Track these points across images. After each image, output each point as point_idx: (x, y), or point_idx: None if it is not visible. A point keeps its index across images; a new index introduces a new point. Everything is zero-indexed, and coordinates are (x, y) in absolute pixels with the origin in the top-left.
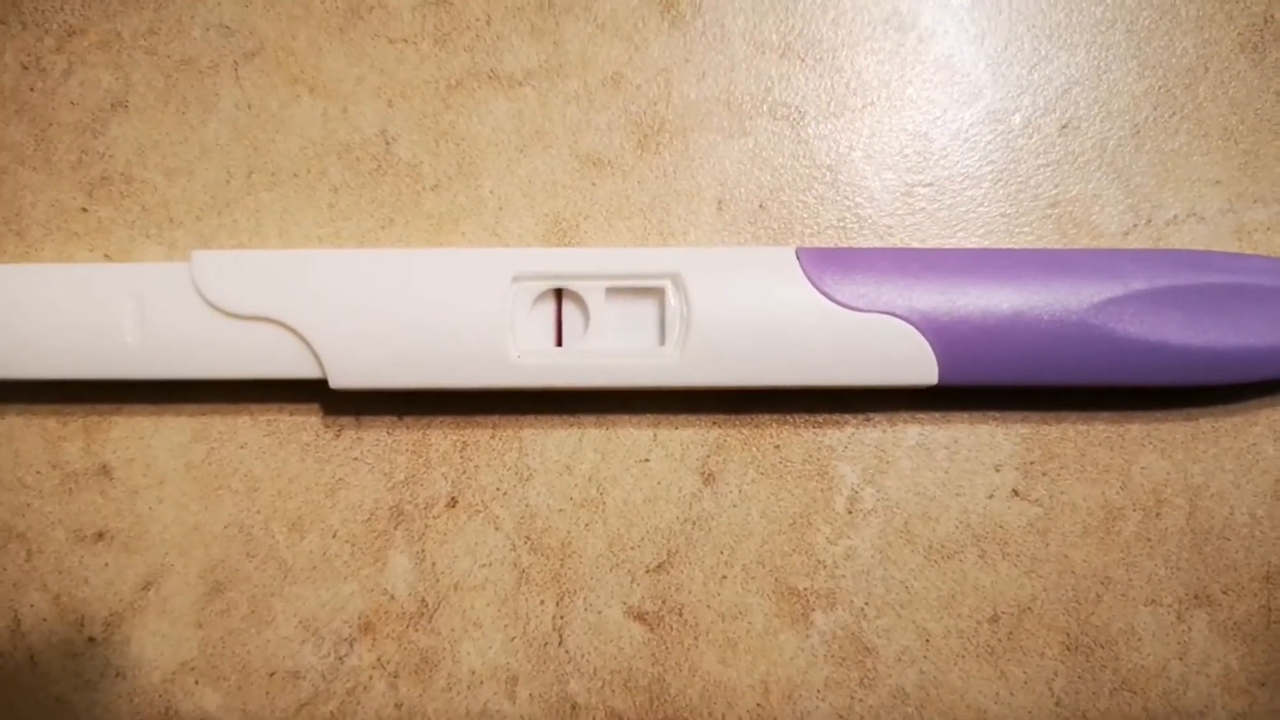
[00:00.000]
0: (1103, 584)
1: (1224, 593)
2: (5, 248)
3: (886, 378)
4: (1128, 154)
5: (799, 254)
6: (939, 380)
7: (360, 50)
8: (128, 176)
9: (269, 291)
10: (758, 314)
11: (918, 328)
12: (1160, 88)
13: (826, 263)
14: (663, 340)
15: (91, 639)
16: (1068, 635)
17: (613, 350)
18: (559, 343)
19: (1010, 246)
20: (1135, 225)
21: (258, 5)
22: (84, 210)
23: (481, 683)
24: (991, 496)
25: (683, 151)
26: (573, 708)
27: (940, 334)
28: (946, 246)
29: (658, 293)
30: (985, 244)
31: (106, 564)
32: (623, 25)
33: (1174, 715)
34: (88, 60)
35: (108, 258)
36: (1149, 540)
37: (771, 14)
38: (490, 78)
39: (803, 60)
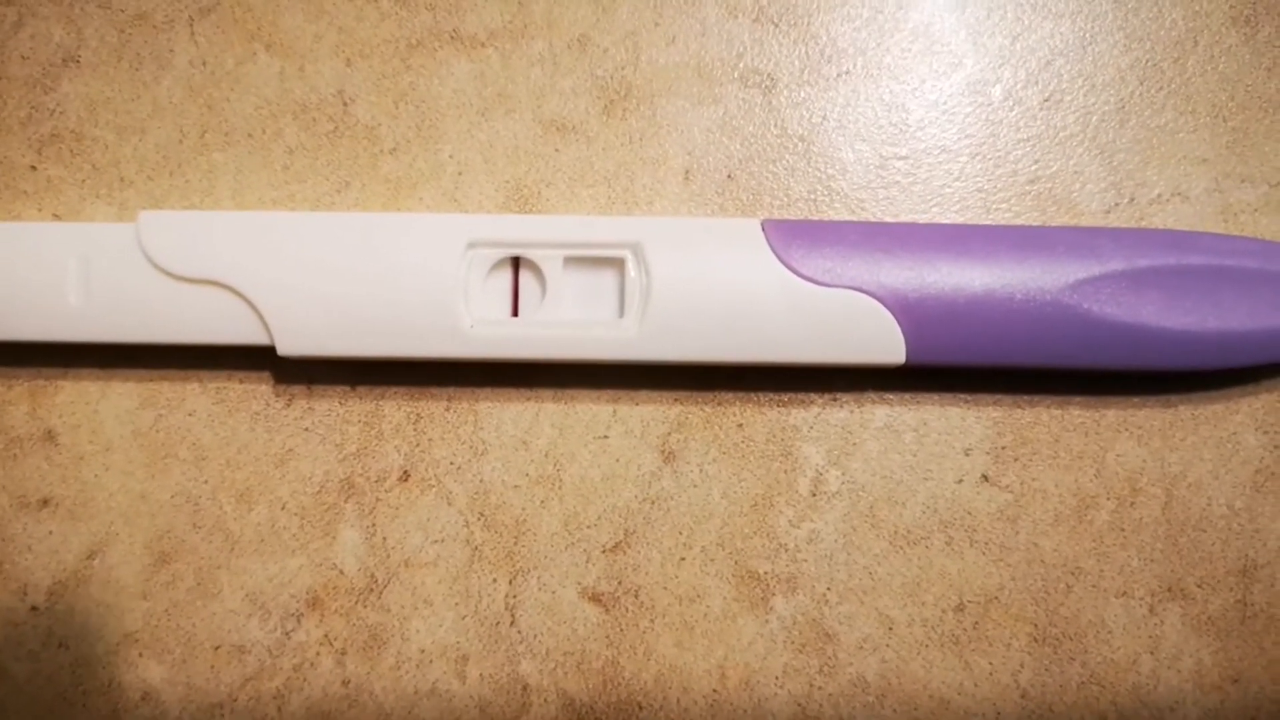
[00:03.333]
0: (1073, 574)
1: (1198, 586)
2: None
3: (852, 356)
4: (1111, 129)
5: (764, 226)
6: (907, 360)
7: (319, 7)
8: (78, 134)
9: (216, 254)
10: (720, 287)
11: (885, 304)
12: (1147, 61)
13: (793, 235)
14: (622, 312)
15: (34, 608)
16: (1035, 626)
17: (570, 321)
18: (515, 313)
19: (986, 223)
20: (1117, 204)
21: None
22: (33, 168)
23: (431, 661)
24: (960, 481)
25: (650, 118)
26: (524, 689)
27: (909, 311)
28: (920, 221)
29: (618, 263)
30: (960, 220)
31: (50, 532)
32: None
33: (1143, 710)
34: (38, 13)
35: (56, 217)
36: (1122, 530)
37: None
38: (452, 38)
39: (776, 26)
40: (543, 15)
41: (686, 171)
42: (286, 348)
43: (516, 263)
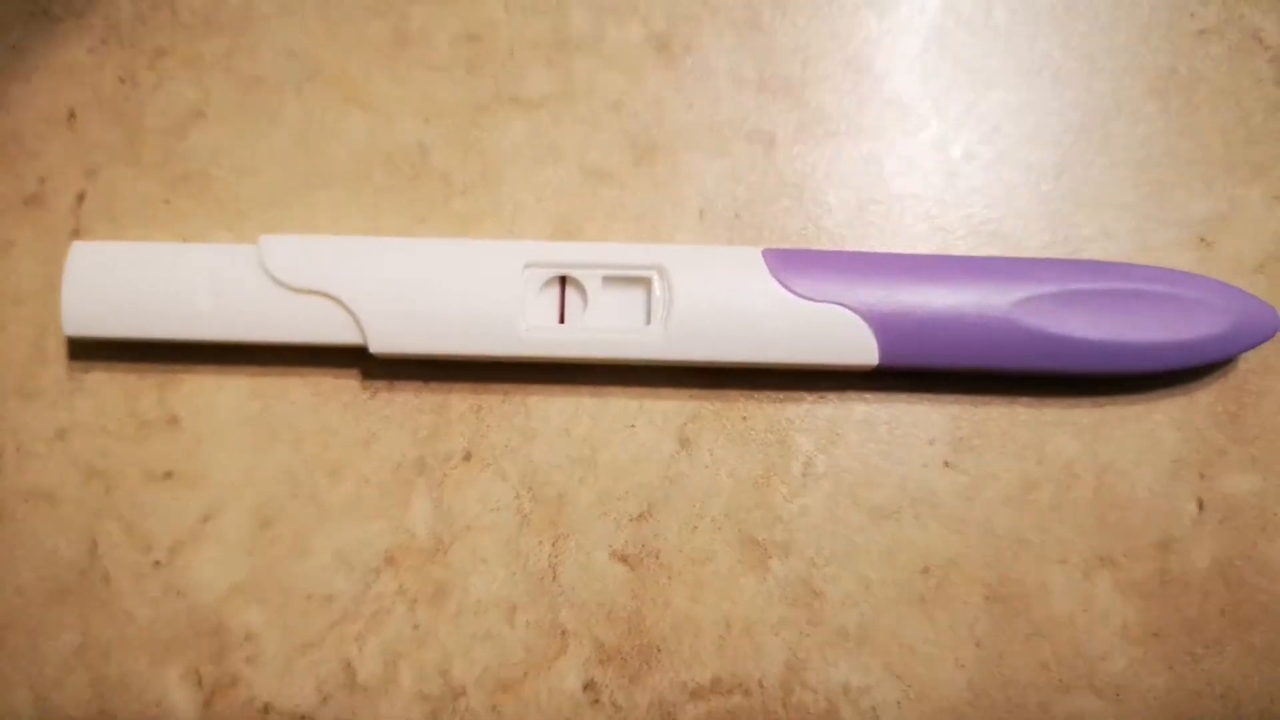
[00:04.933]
0: (1019, 544)
1: (1124, 556)
2: (99, 231)
3: (835, 358)
4: (1050, 180)
5: (765, 254)
6: (879, 362)
7: (403, 75)
8: (204, 175)
9: (323, 270)
10: (729, 302)
11: (862, 316)
12: (1080, 125)
13: (788, 261)
14: (649, 321)
15: (157, 563)
16: (988, 587)
17: (606, 328)
18: (561, 321)
19: (946, 254)
20: (1054, 241)
21: (319, 35)
22: (166, 202)
23: (486, 610)
24: (925, 466)
25: (671, 167)
26: (563, 634)
27: (881, 322)
28: (892, 252)
29: (646, 281)
30: (925, 251)
31: (173, 499)
32: (624, 61)
33: (1079, 659)
34: (174, 76)
35: (185, 241)
36: (1060, 509)
37: (750, 56)
38: (512, 101)
39: (775, 95)
40: (584, 83)
41: (701, 210)
42: (378, 346)
43: (564, 281)
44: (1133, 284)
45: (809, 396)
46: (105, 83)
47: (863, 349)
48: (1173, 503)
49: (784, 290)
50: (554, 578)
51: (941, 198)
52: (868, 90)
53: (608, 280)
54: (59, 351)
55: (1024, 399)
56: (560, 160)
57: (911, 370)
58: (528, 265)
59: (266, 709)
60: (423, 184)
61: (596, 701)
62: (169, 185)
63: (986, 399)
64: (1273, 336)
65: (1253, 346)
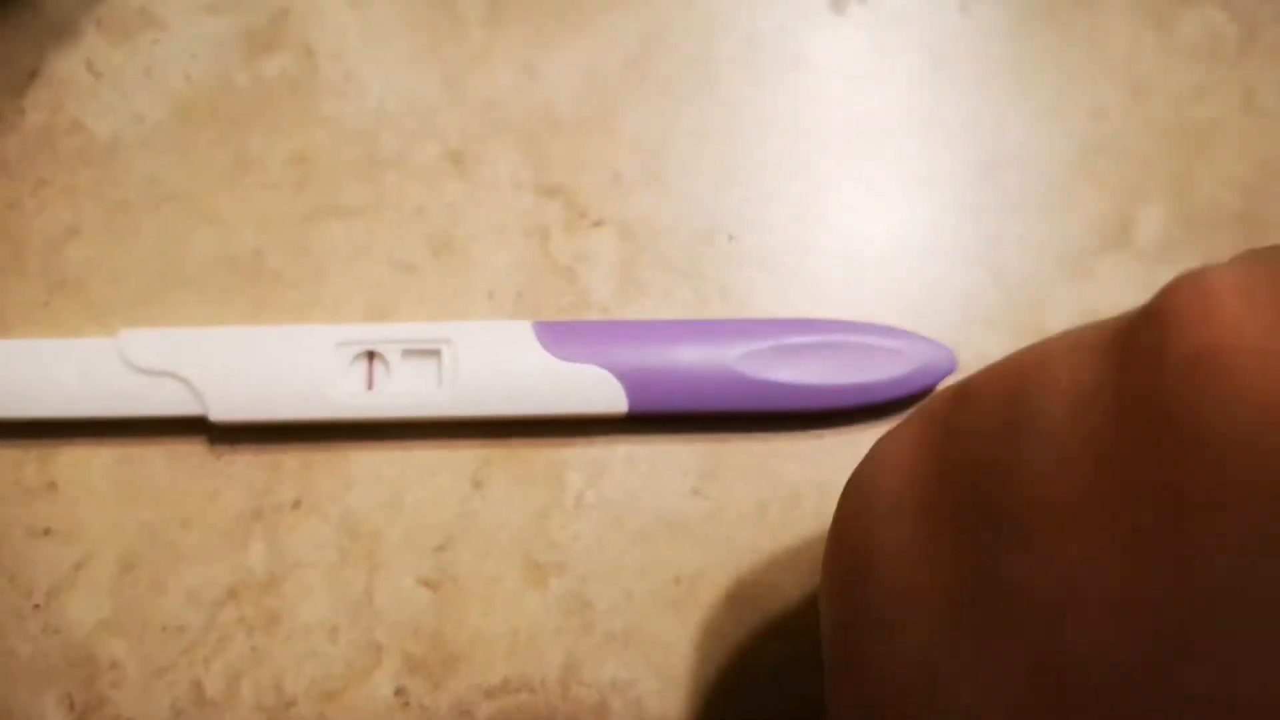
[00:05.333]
0: (755, 555)
1: None
2: None
3: (592, 408)
4: (771, 255)
5: (534, 326)
6: (629, 410)
7: (243, 194)
8: (78, 282)
9: (171, 355)
10: (505, 366)
11: (614, 373)
12: (791, 208)
13: (552, 331)
14: (440, 385)
15: (36, 605)
16: (730, 593)
17: (406, 392)
18: (369, 388)
19: (681, 319)
20: (779, 304)
21: (173, 164)
22: (46, 304)
23: (312, 632)
24: (678, 494)
25: (464, 259)
26: (377, 649)
27: (629, 377)
28: (639, 320)
29: (436, 352)
30: (674, 317)
31: (51, 551)
32: (425, 174)
33: (803, 640)
34: (53, 202)
35: (62, 337)
36: (788, 524)
37: (528, 166)
38: (332, 211)
39: (550, 198)
40: (392, 194)
41: (490, 292)
42: (217, 416)
43: (371, 355)
44: (833, 336)
45: (579, 441)
46: None
47: (615, 400)
48: None
49: (549, 355)
50: (369, 602)
51: (689, 277)
52: (624, 191)
53: (405, 352)
54: None
55: (757, 435)
56: (373, 257)
57: (659, 415)
58: (339, 344)
59: None
60: (260, 282)
61: (406, 705)
62: (48, 291)
63: (726, 436)
64: (953, 373)
65: (938, 382)
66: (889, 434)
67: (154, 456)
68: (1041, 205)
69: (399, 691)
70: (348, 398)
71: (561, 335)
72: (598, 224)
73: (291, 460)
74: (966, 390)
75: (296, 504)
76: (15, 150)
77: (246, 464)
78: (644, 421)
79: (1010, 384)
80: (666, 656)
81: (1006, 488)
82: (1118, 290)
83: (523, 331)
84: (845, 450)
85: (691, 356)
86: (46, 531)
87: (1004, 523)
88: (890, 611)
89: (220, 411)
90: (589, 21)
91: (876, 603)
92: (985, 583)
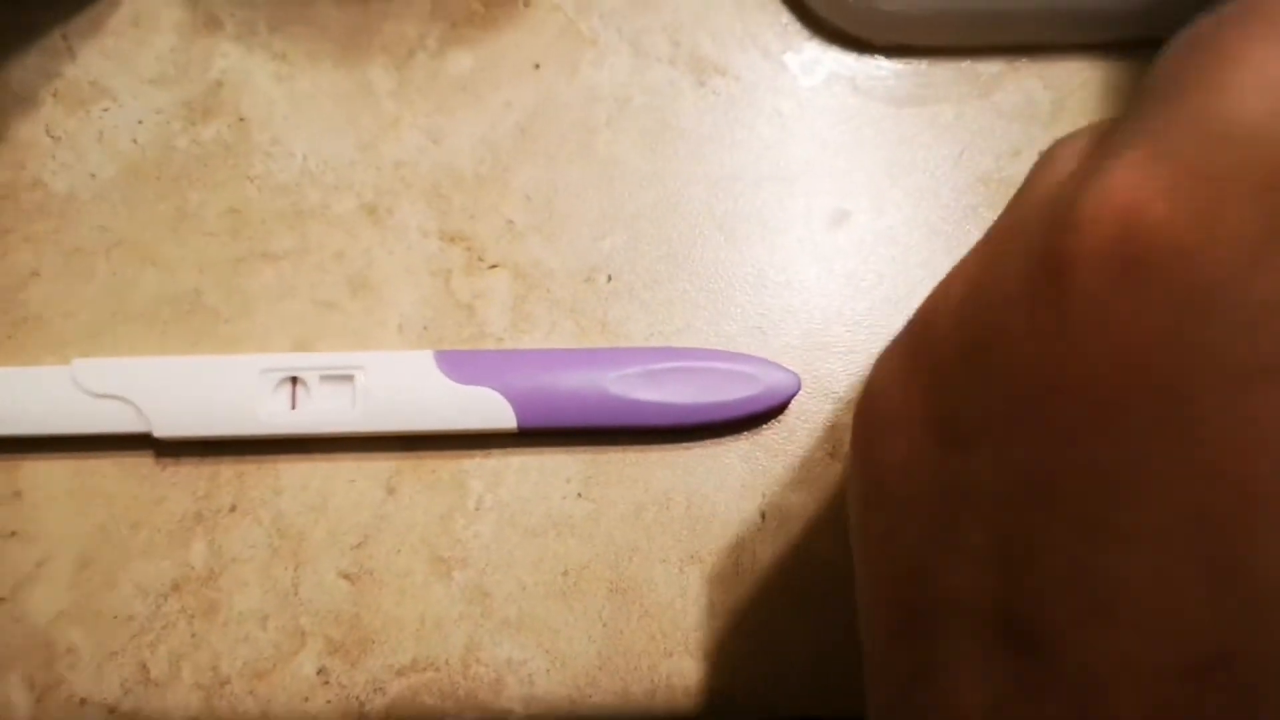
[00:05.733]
0: (633, 550)
1: (708, 555)
2: None
3: (486, 424)
4: (644, 293)
5: (435, 355)
6: (518, 426)
7: (184, 240)
8: (39, 318)
9: (119, 381)
10: (409, 389)
11: (504, 395)
12: (668, 259)
13: (451, 359)
14: (354, 405)
15: (3, 599)
16: (611, 583)
17: (325, 410)
18: (293, 408)
19: (565, 348)
20: (652, 335)
21: (123, 214)
22: (10, 337)
23: (245, 620)
24: (564, 498)
25: (378, 297)
26: (302, 634)
27: (518, 398)
28: (528, 349)
29: (351, 378)
30: (562, 346)
31: (16, 551)
32: (345, 223)
33: (677, 631)
34: (16, 248)
35: (22, 366)
36: (662, 523)
37: (434, 216)
38: (262, 255)
39: (452, 242)
40: (316, 241)
41: (399, 326)
42: (160, 433)
43: (294, 380)
44: (693, 362)
45: (478, 453)
46: None
47: (505, 417)
48: (742, 515)
49: (448, 380)
50: (295, 593)
51: (573, 312)
52: (516, 236)
53: (324, 378)
54: None
55: (634, 446)
56: (297, 296)
57: (546, 430)
58: (266, 370)
59: (83, 702)
60: (198, 317)
61: (327, 683)
62: (12, 325)
63: (606, 448)
64: (796, 394)
65: (785, 401)
66: (879, 359)
67: (106, 468)
68: (882, 253)
69: (320, 671)
70: (274, 416)
71: (459, 362)
72: (494, 266)
73: (227, 470)
74: (929, 317)
75: (232, 508)
76: None
77: (188, 474)
78: (533, 436)
79: (958, 314)
80: (555, 639)
81: (971, 400)
82: None
83: (425, 360)
84: (708, 460)
85: (572, 381)
86: (12, 534)
87: (969, 432)
88: (899, 493)
89: (163, 429)
90: (484, 95)
91: (889, 486)
92: (955, 475)
